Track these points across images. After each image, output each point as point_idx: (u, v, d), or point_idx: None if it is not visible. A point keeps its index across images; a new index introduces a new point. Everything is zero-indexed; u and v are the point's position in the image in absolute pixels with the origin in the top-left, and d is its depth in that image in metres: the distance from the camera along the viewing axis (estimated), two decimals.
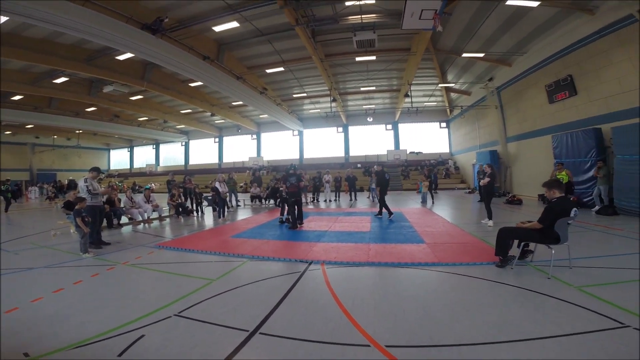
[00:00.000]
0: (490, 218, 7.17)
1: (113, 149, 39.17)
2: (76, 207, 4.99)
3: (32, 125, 24.36)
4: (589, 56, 9.90)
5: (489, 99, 16.22)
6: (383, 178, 8.69)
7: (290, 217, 7.32)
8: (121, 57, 13.04)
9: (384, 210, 8.44)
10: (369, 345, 2.23)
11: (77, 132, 27.34)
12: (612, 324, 2.43)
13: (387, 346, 2.21)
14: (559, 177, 9.57)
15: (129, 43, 9.82)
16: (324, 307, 2.93)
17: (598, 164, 8.96)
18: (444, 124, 25.96)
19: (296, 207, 7.25)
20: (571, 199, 9.65)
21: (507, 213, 9.46)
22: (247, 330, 2.45)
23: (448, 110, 23.67)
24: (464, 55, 13.75)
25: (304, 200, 10.69)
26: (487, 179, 7.20)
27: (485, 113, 17.44)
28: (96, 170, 6.09)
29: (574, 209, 3.54)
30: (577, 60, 10.41)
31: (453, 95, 21.60)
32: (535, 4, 9.29)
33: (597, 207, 8.68)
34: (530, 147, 13.62)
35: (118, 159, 39.17)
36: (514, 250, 4.02)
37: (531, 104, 13.35)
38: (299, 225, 7.27)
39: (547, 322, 2.51)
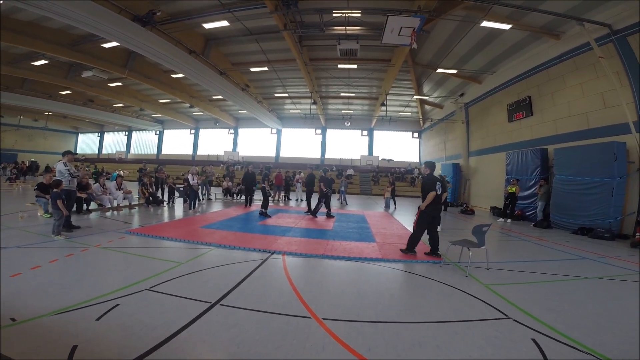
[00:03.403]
0: (438, 224, 8.02)
1: (82, 132, 37.48)
2: (54, 190, 5.17)
3: None
4: (548, 79, 10.52)
5: (458, 114, 17.33)
6: (312, 180, 10.17)
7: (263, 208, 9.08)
8: (106, 45, 12.95)
9: (321, 208, 9.93)
10: (309, 317, 2.78)
11: (47, 113, 26.14)
12: (498, 315, 2.98)
13: (323, 319, 2.76)
14: (510, 190, 10.63)
15: (117, 33, 9.89)
16: (279, 287, 3.47)
17: (540, 182, 10.07)
18: (416, 134, 27.23)
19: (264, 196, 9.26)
20: (516, 212, 10.72)
21: (460, 222, 10.35)
22: (209, 302, 2.94)
23: (421, 121, 24.84)
24: (439, 70, 14.45)
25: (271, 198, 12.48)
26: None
27: (454, 127, 18.55)
28: (71, 153, 6.13)
29: (438, 182, 4.83)
30: (537, 83, 11.05)
31: (427, 107, 22.76)
32: (507, 26, 9.88)
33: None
34: (488, 162, 14.62)
35: (85, 143, 37.55)
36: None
37: (493, 121, 14.22)
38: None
39: (448, 309, 3.11)
